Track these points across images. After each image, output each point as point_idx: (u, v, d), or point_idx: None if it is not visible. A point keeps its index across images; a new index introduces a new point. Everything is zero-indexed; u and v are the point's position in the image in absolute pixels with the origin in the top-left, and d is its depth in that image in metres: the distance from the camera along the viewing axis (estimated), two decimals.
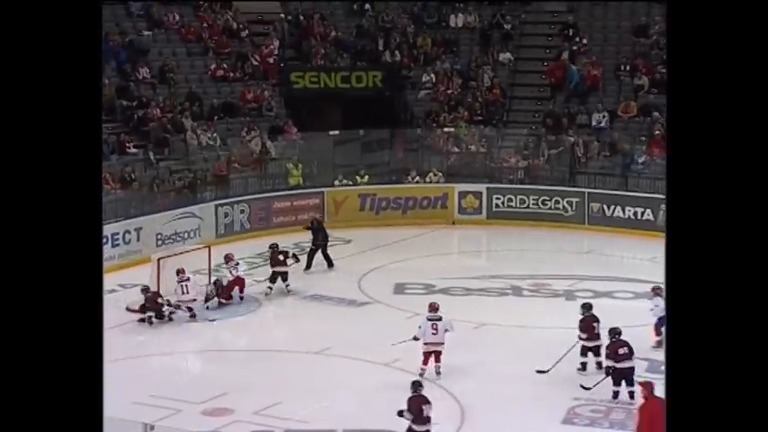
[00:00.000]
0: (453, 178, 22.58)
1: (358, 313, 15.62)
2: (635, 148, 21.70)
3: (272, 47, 25.08)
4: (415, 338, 12.50)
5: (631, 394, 11.74)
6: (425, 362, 12.45)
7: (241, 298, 15.98)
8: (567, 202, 21.32)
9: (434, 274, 17.42)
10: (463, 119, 23.92)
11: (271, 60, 24.90)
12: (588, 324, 12.80)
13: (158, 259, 16.05)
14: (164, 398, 11.89)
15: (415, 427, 10.12)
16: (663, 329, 12.74)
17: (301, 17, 25.97)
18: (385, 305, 15.95)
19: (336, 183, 22.35)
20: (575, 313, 13.20)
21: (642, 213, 20.17)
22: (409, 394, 10.19)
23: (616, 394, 12.01)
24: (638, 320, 14.61)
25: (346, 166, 22.74)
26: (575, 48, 24.94)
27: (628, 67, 23.93)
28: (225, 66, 24.23)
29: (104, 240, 18.01)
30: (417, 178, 22.51)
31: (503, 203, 21.93)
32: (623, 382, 11.90)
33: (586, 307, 13.11)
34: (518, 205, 21.62)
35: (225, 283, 15.90)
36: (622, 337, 12.06)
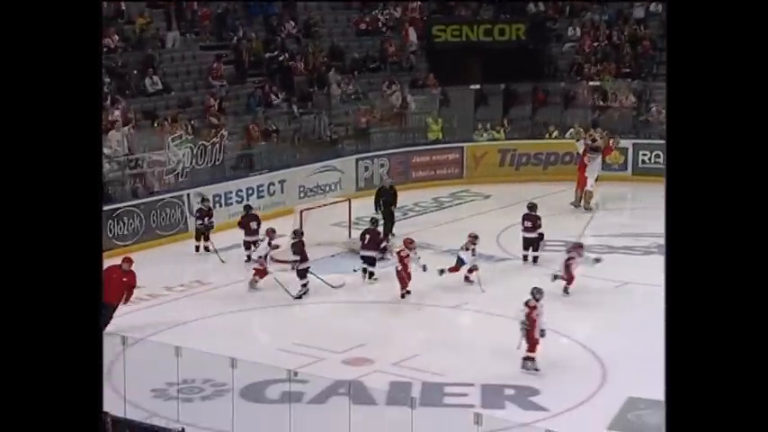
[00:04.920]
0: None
1: (496, 269, 15.52)
2: None
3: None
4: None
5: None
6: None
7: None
8: None
9: (576, 231, 17.07)
10: (610, 72, 23.17)
11: (414, 14, 24.81)
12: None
13: (301, 211, 16.40)
14: (306, 346, 12.18)
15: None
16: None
17: None
18: (523, 261, 15.82)
19: (476, 137, 22.15)
20: None
21: None
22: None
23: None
24: None
25: (487, 121, 22.50)
26: None
27: None
28: (367, 19, 24.30)
29: (250, 192, 18.54)
30: (556, 133, 21.96)
31: (649, 159, 21.21)
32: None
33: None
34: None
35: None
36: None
